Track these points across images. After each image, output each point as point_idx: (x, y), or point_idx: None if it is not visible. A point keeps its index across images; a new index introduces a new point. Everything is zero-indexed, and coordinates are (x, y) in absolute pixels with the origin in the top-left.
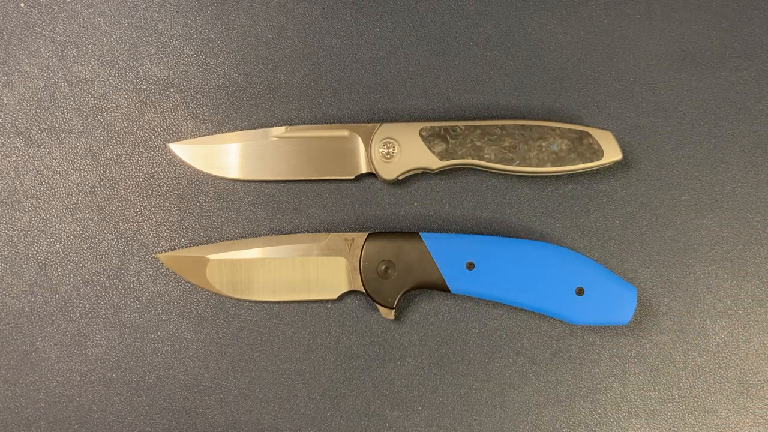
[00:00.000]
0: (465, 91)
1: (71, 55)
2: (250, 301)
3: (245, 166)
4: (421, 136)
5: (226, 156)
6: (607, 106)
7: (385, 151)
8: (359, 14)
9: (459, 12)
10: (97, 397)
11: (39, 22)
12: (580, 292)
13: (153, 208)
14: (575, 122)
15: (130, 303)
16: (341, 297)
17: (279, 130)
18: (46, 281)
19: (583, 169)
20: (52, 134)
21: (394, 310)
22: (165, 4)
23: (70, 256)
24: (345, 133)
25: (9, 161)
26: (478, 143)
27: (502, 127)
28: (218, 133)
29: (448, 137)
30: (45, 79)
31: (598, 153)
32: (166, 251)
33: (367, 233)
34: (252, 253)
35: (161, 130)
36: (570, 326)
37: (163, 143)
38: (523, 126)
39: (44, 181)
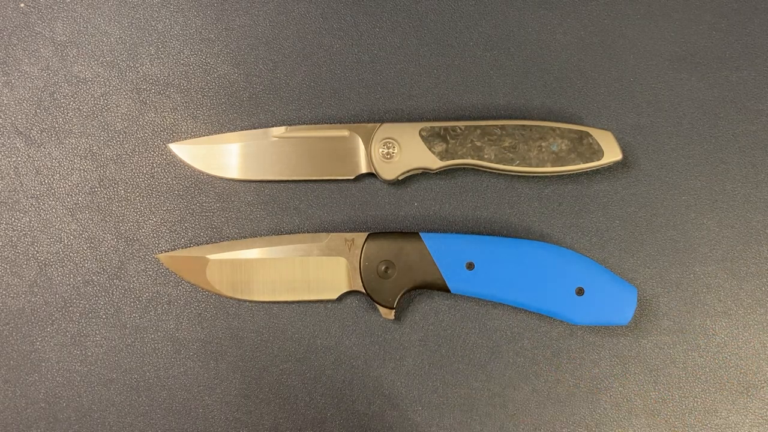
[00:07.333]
0: (465, 91)
1: (71, 55)
2: (250, 301)
3: (245, 166)
4: (421, 136)
5: (226, 156)
6: (607, 106)
7: (385, 151)
8: (359, 14)
9: (459, 12)
10: (97, 397)
11: (39, 22)
12: (580, 292)
13: (153, 208)
14: (575, 122)
15: (130, 303)
16: (341, 297)
17: (279, 130)
18: (46, 281)
19: (583, 169)
20: (52, 134)
21: (394, 311)
22: (165, 4)
23: (70, 256)
24: (345, 133)
25: (9, 161)
26: (478, 143)
27: (502, 127)
28: (218, 133)
29: (448, 137)
30: (45, 79)
31: (598, 153)
32: (166, 251)
33: (367, 233)
34: (252, 253)
35: (161, 130)
36: (570, 326)
37: (163, 143)
38: (523, 126)
39: (44, 181)
